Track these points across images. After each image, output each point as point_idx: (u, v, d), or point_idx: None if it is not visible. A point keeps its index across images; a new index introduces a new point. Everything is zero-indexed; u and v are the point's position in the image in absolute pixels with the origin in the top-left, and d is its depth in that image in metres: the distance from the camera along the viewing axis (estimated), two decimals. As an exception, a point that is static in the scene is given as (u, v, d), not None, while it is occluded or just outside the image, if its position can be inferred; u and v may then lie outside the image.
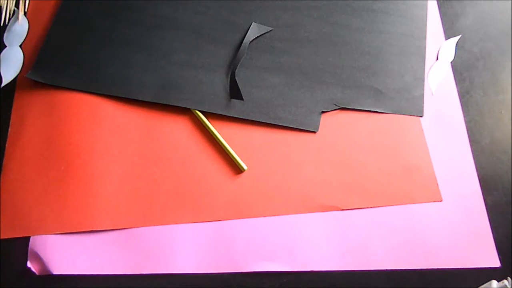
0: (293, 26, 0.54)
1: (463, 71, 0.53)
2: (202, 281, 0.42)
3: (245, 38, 0.52)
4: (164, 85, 0.49)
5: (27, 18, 0.54)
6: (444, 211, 0.46)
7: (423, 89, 0.52)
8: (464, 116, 0.51)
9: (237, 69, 0.50)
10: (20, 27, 0.53)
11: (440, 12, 0.57)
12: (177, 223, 0.44)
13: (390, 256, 0.44)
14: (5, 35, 0.52)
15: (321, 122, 0.49)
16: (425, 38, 0.54)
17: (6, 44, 0.52)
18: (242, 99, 0.49)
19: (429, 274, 0.43)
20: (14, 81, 0.50)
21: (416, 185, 0.47)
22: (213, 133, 0.47)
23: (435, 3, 0.57)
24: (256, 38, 0.52)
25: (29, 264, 0.42)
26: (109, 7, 0.53)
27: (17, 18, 0.53)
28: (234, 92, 0.49)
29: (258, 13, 0.54)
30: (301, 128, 0.48)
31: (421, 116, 0.50)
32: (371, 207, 0.45)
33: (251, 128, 0.48)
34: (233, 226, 0.44)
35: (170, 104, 0.48)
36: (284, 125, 0.48)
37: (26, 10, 0.54)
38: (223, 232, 0.44)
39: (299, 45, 0.52)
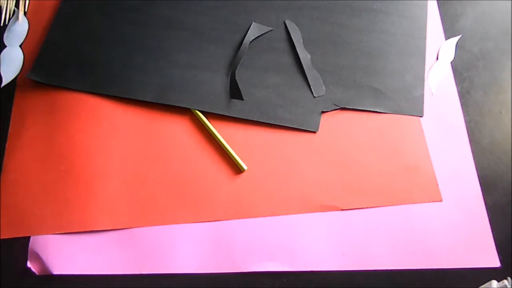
0: (293, 26, 0.54)
1: (463, 71, 0.53)
2: (202, 281, 0.42)
3: (245, 38, 0.52)
4: (164, 85, 0.49)
5: (27, 18, 0.54)
6: (444, 211, 0.46)
7: (423, 89, 0.52)
8: (464, 116, 0.51)
9: (237, 69, 0.50)
10: (20, 27, 0.53)
11: (440, 12, 0.57)
12: (177, 223, 0.44)
13: (390, 256, 0.44)
14: (5, 35, 0.52)
15: (321, 122, 0.49)
16: (425, 38, 0.54)
17: (6, 44, 0.52)
18: (242, 99, 0.49)
19: (429, 274, 0.43)
20: (14, 81, 0.50)
21: (416, 185, 0.47)
22: (213, 133, 0.47)
23: (435, 3, 0.57)
24: (256, 38, 0.52)
25: (29, 264, 0.42)
26: (109, 7, 0.53)
27: (17, 18, 0.53)
28: (234, 92, 0.49)
29: (258, 13, 0.54)
30: (301, 128, 0.48)
31: (421, 116, 0.50)
32: (371, 207, 0.45)
33: (251, 128, 0.48)
34: (233, 226, 0.44)
35: (170, 104, 0.48)
36: (284, 125, 0.48)
37: (26, 10, 0.54)
38: (223, 232, 0.44)
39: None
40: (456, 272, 0.43)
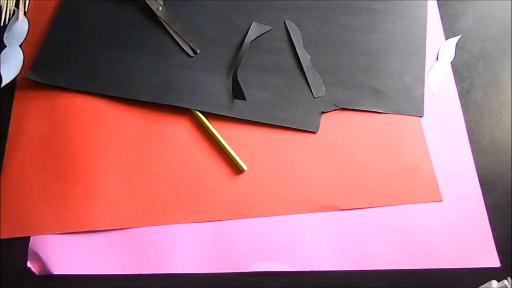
0: (293, 26, 0.54)
1: (463, 71, 0.53)
2: (202, 281, 0.42)
3: (246, 38, 0.52)
4: (165, 86, 0.49)
5: (27, 18, 0.54)
6: (444, 211, 0.46)
7: (423, 89, 0.52)
8: (464, 116, 0.51)
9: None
10: (20, 27, 0.53)
11: (440, 12, 0.57)
12: (177, 223, 0.44)
13: (390, 256, 0.44)
14: (5, 35, 0.52)
15: (321, 123, 0.49)
16: (425, 38, 0.54)
17: (6, 44, 0.52)
18: (245, 99, 0.48)
19: (429, 274, 0.43)
20: (14, 81, 0.50)
21: (416, 185, 0.47)
22: (213, 133, 0.47)
23: (435, 3, 0.57)
24: (256, 38, 0.52)
25: (29, 264, 0.42)
26: (109, 8, 0.53)
27: (17, 18, 0.53)
28: (237, 93, 0.49)
29: (259, 13, 0.54)
30: (302, 128, 0.48)
31: (421, 116, 0.50)
32: (371, 207, 0.46)
33: (251, 129, 0.48)
34: (233, 226, 0.44)
35: (170, 104, 0.48)
36: (285, 125, 0.48)
37: (26, 10, 0.54)
38: (223, 232, 0.44)
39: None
40: (456, 272, 0.43)
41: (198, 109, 0.48)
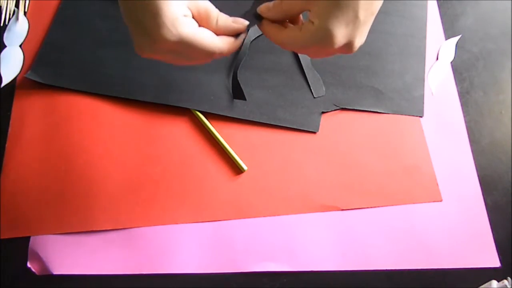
0: (293, 26, 0.53)
1: (463, 71, 0.53)
2: (202, 281, 0.42)
3: (246, 38, 0.52)
4: (164, 86, 0.49)
5: (27, 18, 0.54)
6: (444, 211, 0.46)
7: (423, 89, 0.52)
8: (464, 116, 0.51)
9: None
10: (20, 27, 0.53)
11: (440, 12, 0.57)
12: (177, 223, 0.44)
13: (390, 256, 0.44)
14: (5, 35, 0.52)
15: (321, 123, 0.49)
16: (425, 38, 0.54)
17: (6, 44, 0.52)
18: (245, 100, 0.48)
19: (429, 274, 0.43)
20: (14, 81, 0.50)
21: (416, 185, 0.47)
22: (213, 133, 0.47)
23: (435, 3, 0.57)
24: (256, 38, 0.52)
25: (29, 264, 0.42)
26: (109, 8, 0.53)
27: (17, 18, 0.53)
28: (237, 93, 0.48)
29: (258, 13, 0.54)
30: (302, 128, 0.48)
31: (421, 116, 0.50)
32: (371, 207, 0.46)
33: (251, 129, 0.48)
34: (233, 226, 0.44)
35: (170, 104, 0.48)
36: (285, 125, 0.48)
37: (26, 10, 0.54)
38: (223, 232, 0.44)
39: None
40: (456, 272, 0.43)
41: (198, 109, 0.48)
